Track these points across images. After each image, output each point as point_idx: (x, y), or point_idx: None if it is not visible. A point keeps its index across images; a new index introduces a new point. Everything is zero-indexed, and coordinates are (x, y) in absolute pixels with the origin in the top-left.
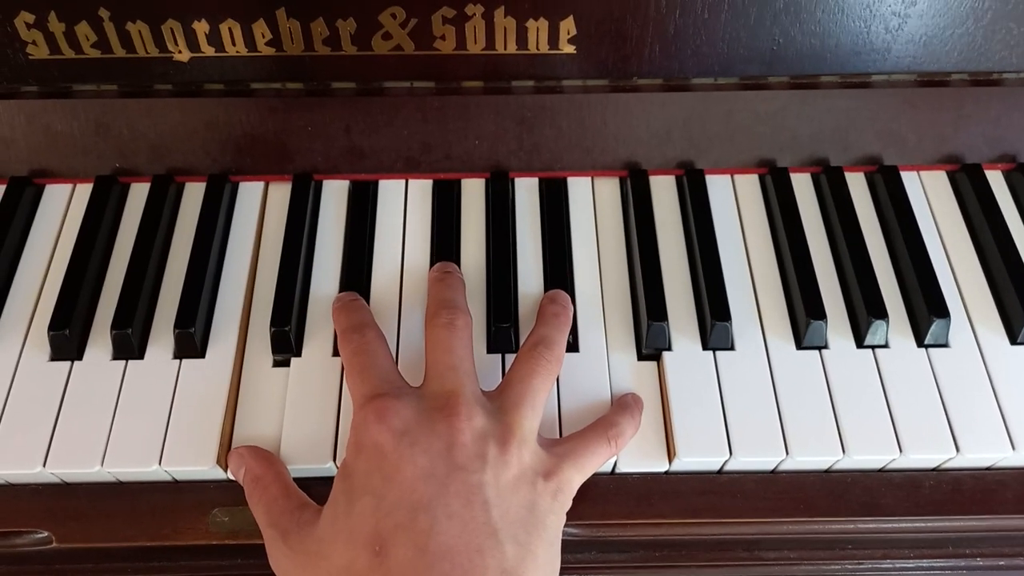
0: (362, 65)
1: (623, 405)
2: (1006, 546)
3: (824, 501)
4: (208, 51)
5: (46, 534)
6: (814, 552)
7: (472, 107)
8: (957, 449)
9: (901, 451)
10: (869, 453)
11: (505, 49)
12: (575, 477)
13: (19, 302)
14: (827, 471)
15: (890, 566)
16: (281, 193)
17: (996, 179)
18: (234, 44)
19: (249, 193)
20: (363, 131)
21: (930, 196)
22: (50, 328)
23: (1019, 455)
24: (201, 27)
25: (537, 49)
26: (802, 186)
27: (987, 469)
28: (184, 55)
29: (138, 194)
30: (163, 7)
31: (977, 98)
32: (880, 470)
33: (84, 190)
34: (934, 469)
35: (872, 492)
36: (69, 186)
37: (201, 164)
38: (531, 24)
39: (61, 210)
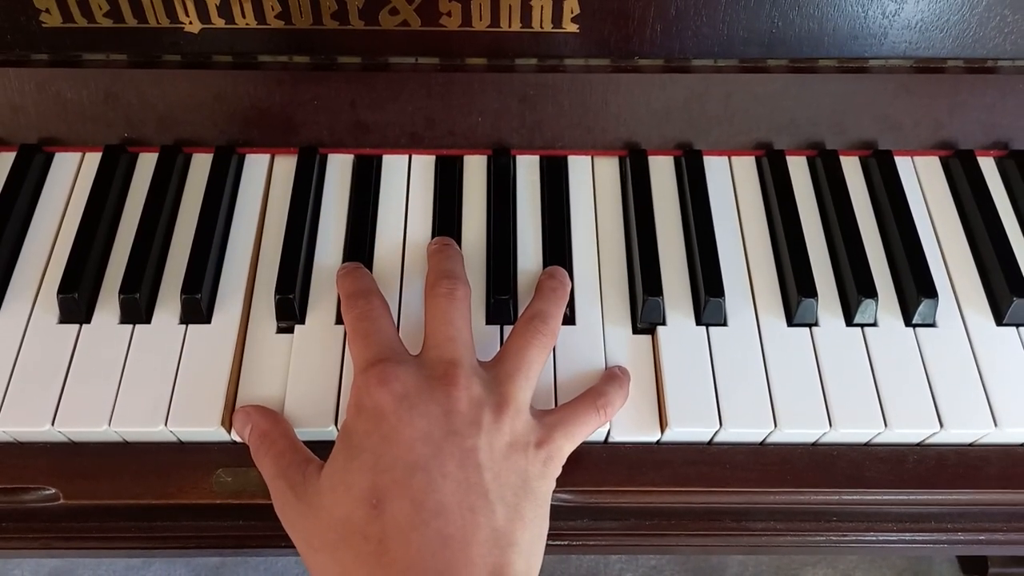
0: (369, 40)
1: (611, 376)
2: (986, 521)
3: (810, 473)
4: (218, 22)
5: (53, 491)
6: (800, 523)
7: (476, 84)
8: (941, 424)
9: (886, 425)
10: (855, 427)
11: (510, 27)
12: (565, 445)
13: (29, 266)
14: (814, 444)
15: (873, 538)
16: (286, 166)
17: (988, 165)
18: (244, 16)
19: (255, 165)
20: (368, 106)
21: (923, 181)
22: (59, 291)
23: (1001, 432)
24: None
25: (541, 27)
26: (798, 168)
27: (970, 445)
28: (195, 26)
29: (146, 164)
30: None
31: (972, 85)
32: (866, 444)
33: (93, 159)
34: (919, 444)
35: (857, 465)
36: (78, 154)
37: (208, 135)
38: (535, 2)
39: (70, 178)
